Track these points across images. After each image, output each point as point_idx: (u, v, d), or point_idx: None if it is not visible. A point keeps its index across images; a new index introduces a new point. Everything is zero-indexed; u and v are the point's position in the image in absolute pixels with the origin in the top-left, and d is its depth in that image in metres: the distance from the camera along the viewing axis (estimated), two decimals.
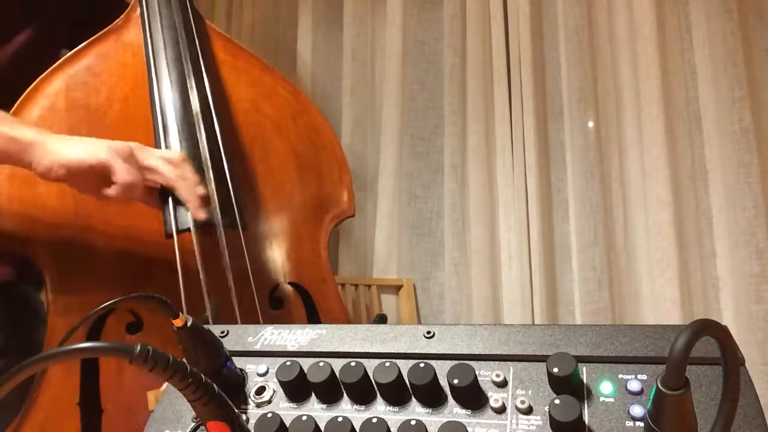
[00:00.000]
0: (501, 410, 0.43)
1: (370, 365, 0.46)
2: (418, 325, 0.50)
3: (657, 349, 0.43)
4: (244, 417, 0.47)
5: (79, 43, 0.99)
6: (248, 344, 0.53)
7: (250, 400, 0.49)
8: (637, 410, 0.40)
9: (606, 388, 0.42)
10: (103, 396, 0.84)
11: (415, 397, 0.45)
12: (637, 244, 1.23)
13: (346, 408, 0.46)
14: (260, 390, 0.49)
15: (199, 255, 0.86)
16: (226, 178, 0.93)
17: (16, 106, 0.90)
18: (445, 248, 1.43)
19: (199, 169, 0.91)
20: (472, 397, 0.43)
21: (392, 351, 0.48)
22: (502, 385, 0.44)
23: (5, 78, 1.00)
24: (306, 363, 0.47)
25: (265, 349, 0.52)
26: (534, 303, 1.30)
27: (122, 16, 1.04)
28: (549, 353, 0.43)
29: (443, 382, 0.45)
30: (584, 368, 0.43)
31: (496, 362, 0.45)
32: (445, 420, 0.42)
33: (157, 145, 0.92)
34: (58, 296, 0.87)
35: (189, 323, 0.46)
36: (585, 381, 0.42)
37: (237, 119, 1.05)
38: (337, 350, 0.50)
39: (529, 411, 0.42)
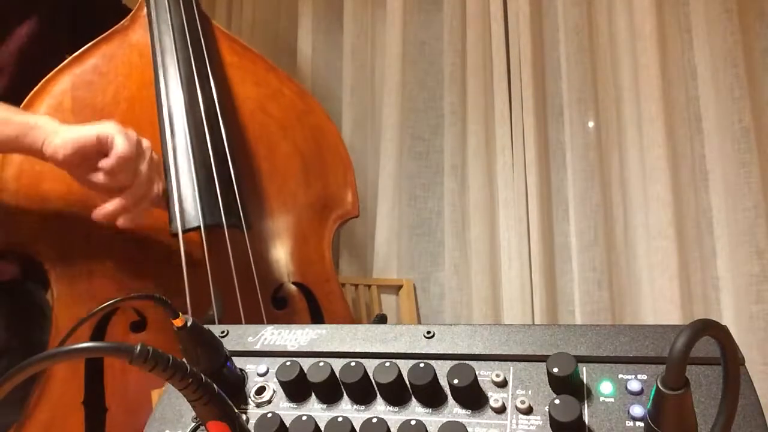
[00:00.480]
0: (501, 410, 0.43)
1: (370, 365, 0.46)
2: (418, 325, 0.50)
3: (657, 349, 0.43)
4: (244, 417, 0.47)
5: (78, 42, 1.00)
6: (248, 344, 0.53)
7: (250, 400, 0.49)
8: (637, 410, 0.40)
9: (606, 388, 0.42)
10: (108, 395, 0.84)
11: (415, 397, 0.45)
12: (637, 244, 1.23)
13: (346, 408, 0.46)
14: (260, 390, 0.49)
15: (204, 254, 0.86)
16: (231, 178, 0.93)
17: (23, 105, 0.91)
18: (445, 248, 1.43)
19: (205, 169, 0.91)
20: (472, 397, 0.43)
21: (392, 351, 0.48)
22: (502, 385, 0.44)
23: (12, 74, 1.00)
24: (306, 363, 0.47)
25: (265, 349, 0.52)
26: (534, 303, 1.30)
27: (128, 16, 1.05)
28: (549, 353, 0.43)
29: (443, 382, 0.45)
30: (584, 368, 0.43)
31: (496, 362, 0.45)
32: (445, 420, 0.42)
33: (163, 145, 0.92)
34: (63, 295, 0.87)
35: (189, 323, 0.46)
36: (585, 381, 0.42)
37: (243, 119, 1.05)
38: (337, 350, 0.50)
39: (529, 411, 0.42)
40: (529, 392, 0.43)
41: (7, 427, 0.82)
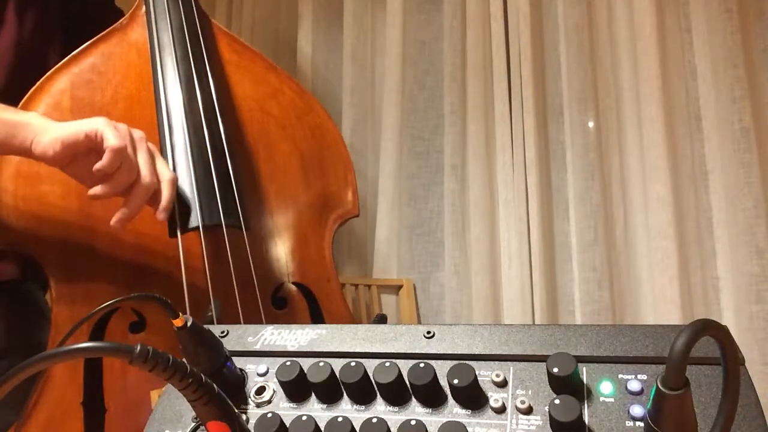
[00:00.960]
0: (501, 410, 0.43)
1: (370, 365, 0.46)
2: (418, 325, 0.50)
3: (657, 349, 0.43)
4: (244, 417, 0.47)
5: (69, 40, 0.99)
6: (248, 344, 0.53)
7: (250, 400, 0.49)
8: (637, 410, 0.40)
9: (606, 388, 0.42)
10: (107, 395, 0.84)
11: (415, 397, 0.45)
12: (637, 244, 1.23)
13: (346, 408, 0.46)
14: (260, 390, 0.49)
15: (204, 254, 0.86)
16: (230, 177, 0.93)
17: (21, 104, 0.90)
18: (445, 248, 1.43)
19: (204, 168, 0.91)
20: (472, 397, 0.43)
21: (392, 351, 0.48)
22: (502, 385, 0.44)
23: (11, 68, 1.00)
24: (306, 363, 0.47)
25: (265, 349, 0.52)
26: (534, 303, 1.30)
27: (127, 15, 1.05)
28: (549, 353, 0.43)
29: (443, 382, 0.45)
30: (584, 368, 0.43)
31: (496, 362, 0.45)
32: (445, 420, 0.42)
33: (162, 144, 0.92)
34: (62, 295, 0.87)
35: (189, 323, 0.46)
36: (585, 381, 0.42)
37: (242, 118, 1.05)
38: (337, 350, 0.50)
39: (529, 411, 0.42)
40: (529, 392, 0.43)
41: (6, 427, 0.82)
